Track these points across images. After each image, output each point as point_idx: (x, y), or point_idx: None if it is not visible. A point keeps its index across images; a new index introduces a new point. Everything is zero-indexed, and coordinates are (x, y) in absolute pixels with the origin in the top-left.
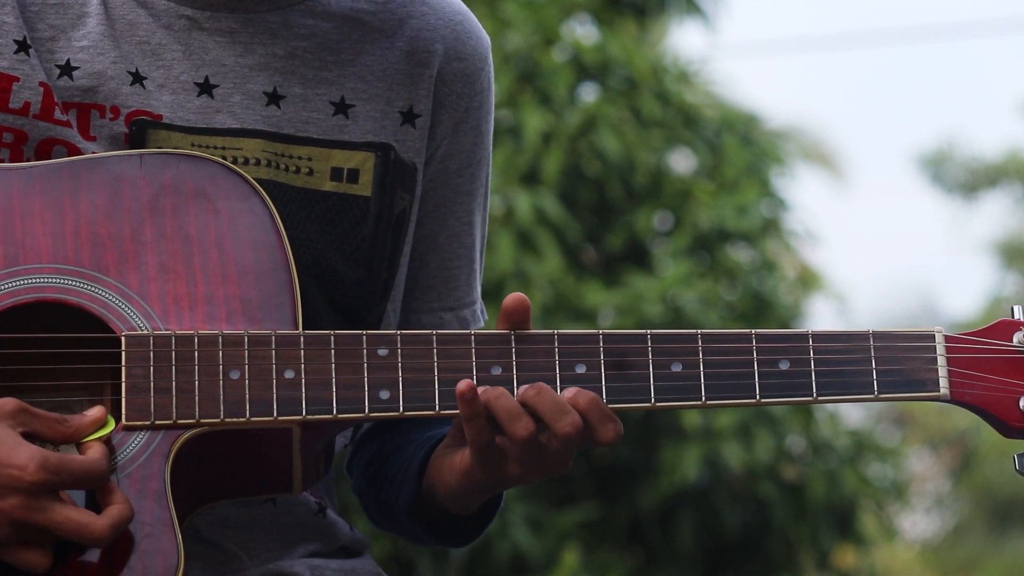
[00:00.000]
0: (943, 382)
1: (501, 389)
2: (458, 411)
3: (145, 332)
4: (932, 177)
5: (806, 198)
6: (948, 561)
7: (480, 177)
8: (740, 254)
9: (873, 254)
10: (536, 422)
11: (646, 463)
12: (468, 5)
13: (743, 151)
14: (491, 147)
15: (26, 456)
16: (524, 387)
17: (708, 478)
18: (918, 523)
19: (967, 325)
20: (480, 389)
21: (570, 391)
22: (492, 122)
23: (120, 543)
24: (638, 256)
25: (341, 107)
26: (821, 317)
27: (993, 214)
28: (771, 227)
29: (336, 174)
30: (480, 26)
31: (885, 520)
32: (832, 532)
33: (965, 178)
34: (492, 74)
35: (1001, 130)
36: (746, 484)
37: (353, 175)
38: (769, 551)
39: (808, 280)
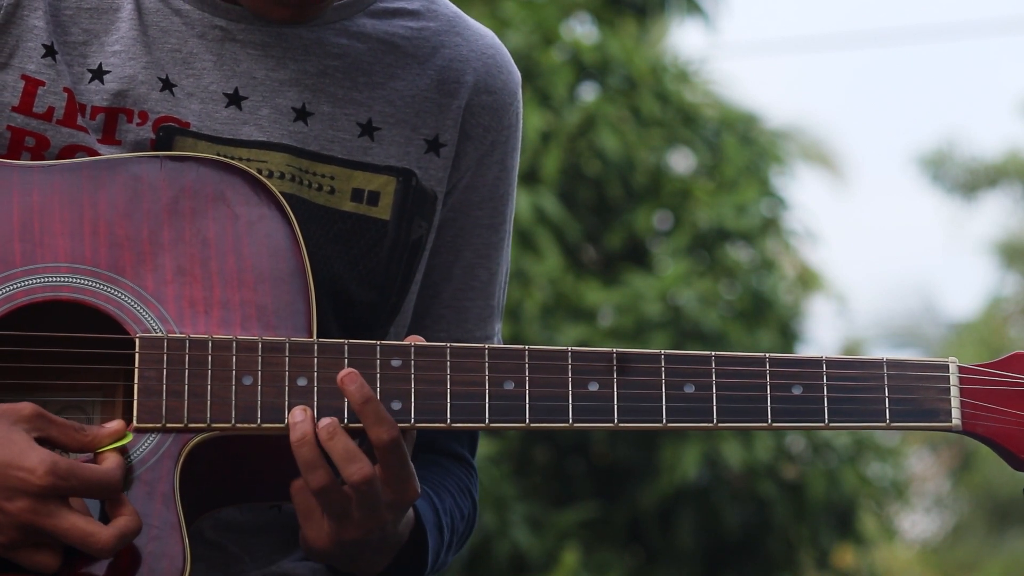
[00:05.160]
0: (955, 413)
1: (307, 437)
2: (467, 424)
3: (159, 335)
4: (932, 177)
5: (806, 198)
6: (948, 561)
7: (503, 213)
8: (739, 253)
9: (873, 254)
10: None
11: (646, 462)
12: (467, 4)
13: (743, 150)
14: (516, 183)
15: (36, 460)
16: (324, 423)
17: (708, 477)
18: (918, 523)
19: (967, 325)
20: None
21: (345, 375)
22: (518, 158)
23: (128, 545)
24: (637, 255)
25: (367, 129)
26: (821, 317)
27: (993, 214)
28: (771, 226)
29: (357, 195)
30: (512, 61)
31: (885, 520)
32: (832, 532)
33: (965, 178)
34: (521, 110)
35: (1001, 130)
36: (746, 483)
37: (373, 197)
38: (769, 551)
39: (808, 280)
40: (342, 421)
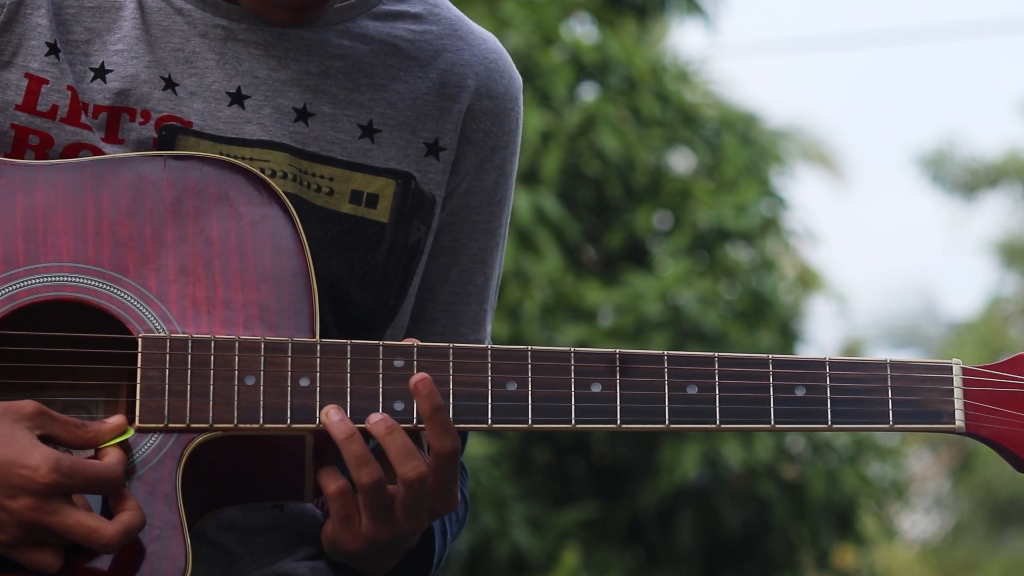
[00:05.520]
0: (959, 415)
1: (355, 433)
2: (470, 424)
3: (162, 334)
4: (932, 177)
5: (806, 198)
6: (948, 561)
7: (500, 217)
8: (739, 253)
9: (873, 254)
10: (384, 468)
11: (646, 462)
12: (467, 4)
13: (742, 150)
14: (513, 187)
15: (39, 457)
16: (377, 418)
17: (708, 477)
18: (918, 523)
19: (967, 325)
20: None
21: (419, 380)
22: (516, 163)
23: (129, 545)
24: (637, 255)
25: (368, 131)
26: (821, 317)
27: (993, 214)
28: (770, 226)
29: (355, 197)
30: (513, 67)
31: (885, 520)
32: (832, 532)
33: (965, 178)
34: (521, 115)
35: (1001, 130)
36: (746, 483)
37: (372, 200)
38: (769, 551)
39: (808, 280)
40: None
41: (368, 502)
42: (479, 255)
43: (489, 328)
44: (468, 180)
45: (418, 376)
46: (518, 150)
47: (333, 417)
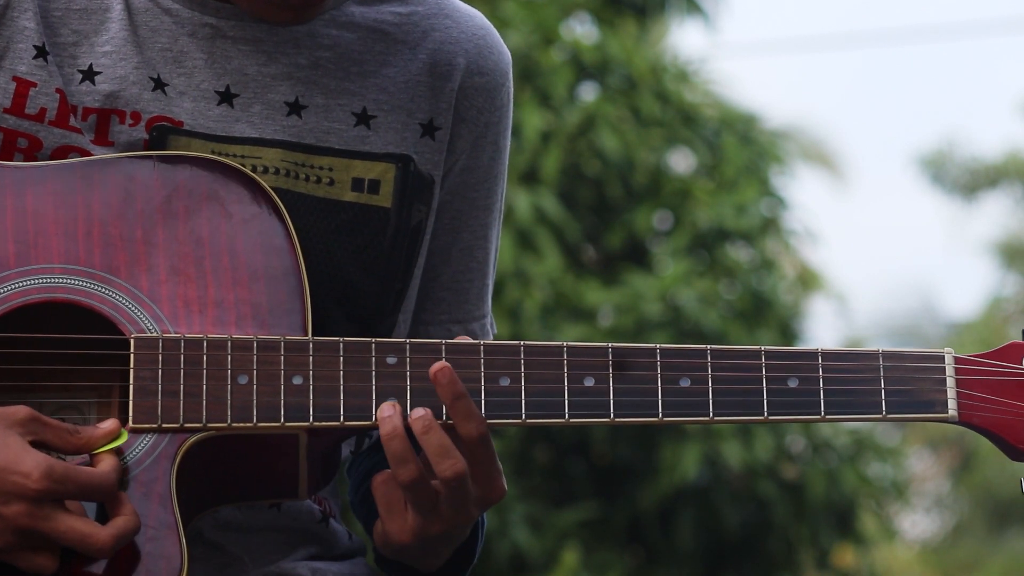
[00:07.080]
0: (951, 403)
1: (398, 431)
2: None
3: (154, 335)
4: (932, 177)
5: (806, 198)
6: (948, 561)
7: (496, 192)
8: (739, 253)
9: (873, 254)
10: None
11: (646, 462)
12: (467, 3)
13: (742, 150)
14: (507, 162)
15: (32, 463)
16: (417, 415)
17: (708, 477)
18: (918, 523)
19: (967, 325)
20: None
21: (439, 369)
22: (509, 137)
23: (125, 546)
24: (637, 255)
25: (363, 118)
26: (821, 317)
27: (993, 214)
28: (770, 226)
29: (357, 184)
30: (502, 42)
31: (885, 520)
32: (832, 531)
33: (965, 178)
34: (512, 90)
35: (1001, 130)
36: (746, 483)
37: (374, 186)
38: (769, 550)
39: (808, 280)
40: (337, 420)
41: (410, 497)
42: (479, 231)
43: (489, 304)
44: (464, 158)
45: (438, 365)
46: (511, 124)
47: (382, 414)
